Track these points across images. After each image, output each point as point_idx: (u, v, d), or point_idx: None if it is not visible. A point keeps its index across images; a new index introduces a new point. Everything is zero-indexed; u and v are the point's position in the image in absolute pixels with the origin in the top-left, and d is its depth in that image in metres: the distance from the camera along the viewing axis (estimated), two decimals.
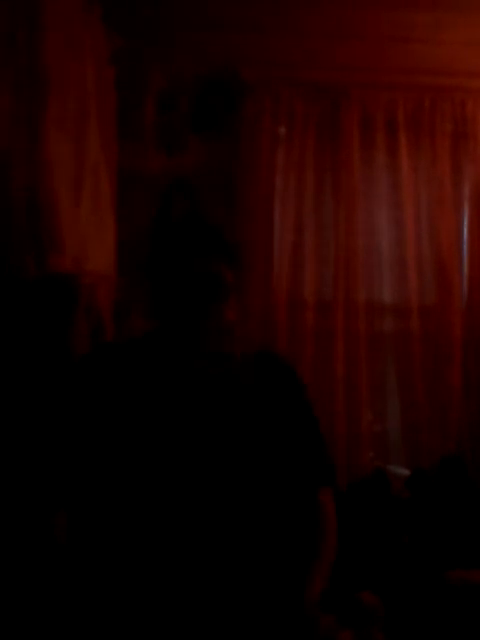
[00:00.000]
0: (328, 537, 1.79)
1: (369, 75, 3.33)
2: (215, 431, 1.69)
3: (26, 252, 2.17)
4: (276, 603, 1.66)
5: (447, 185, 3.35)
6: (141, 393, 1.71)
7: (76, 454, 1.72)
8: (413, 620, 2.83)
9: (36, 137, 2.18)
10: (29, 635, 1.83)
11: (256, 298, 3.24)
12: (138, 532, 1.63)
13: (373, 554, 3.08)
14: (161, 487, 1.64)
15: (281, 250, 3.33)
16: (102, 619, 1.63)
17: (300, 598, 1.68)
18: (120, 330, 2.85)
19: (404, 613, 2.85)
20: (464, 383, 3.32)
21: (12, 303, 2.20)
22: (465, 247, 3.43)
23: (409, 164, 3.36)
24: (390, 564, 3.05)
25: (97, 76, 2.70)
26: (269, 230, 3.32)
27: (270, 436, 1.72)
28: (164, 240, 1.82)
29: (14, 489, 2.05)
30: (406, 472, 3.32)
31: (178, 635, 1.58)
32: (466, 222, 3.43)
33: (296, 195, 3.34)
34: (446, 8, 3.22)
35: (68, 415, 1.77)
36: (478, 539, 3.12)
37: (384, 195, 3.40)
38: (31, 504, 1.96)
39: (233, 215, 3.23)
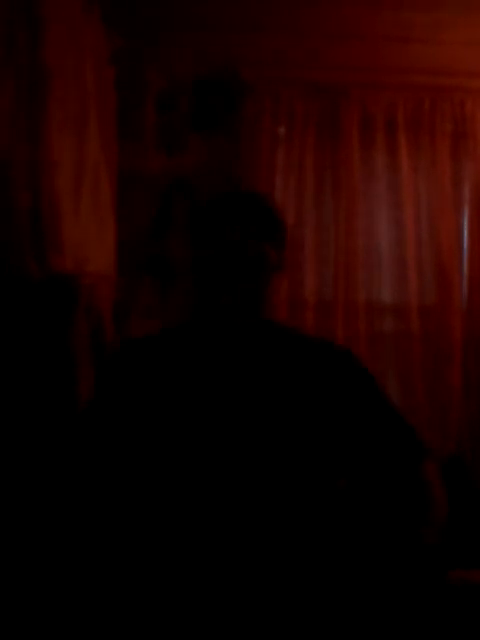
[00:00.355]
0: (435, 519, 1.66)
1: (369, 75, 3.32)
2: (261, 426, 1.59)
3: (27, 252, 2.17)
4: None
5: (447, 185, 3.35)
6: (185, 386, 1.63)
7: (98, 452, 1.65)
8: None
9: (37, 137, 2.17)
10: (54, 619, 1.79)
11: None
12: (187, 527, 1.56)
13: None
14: (205, 483, 1.56)
15: None
16: (138, 603, 1.58)
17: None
18: (120, 330, 2.84)
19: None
20: (464, 383, 3.32)
21: (12, 303, 2.20)
22: (465, 247, 3.43)
23: (409, 164, 3.36)
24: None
25: (97, 76, 2.70)
26: None
27: (323, 429, 1.62)
28: (210, 215, 1.73)
29: (17, 492, 2.05)
30: None
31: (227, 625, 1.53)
32: (466, 222, 3.43)
33: (296, 195, 3.34)
34: (446, 8, 3.22)
35: (102, 413, 1.69)
36: (478, 539, 3.12)
37: (384, 195, 3.40)
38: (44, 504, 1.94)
39: None
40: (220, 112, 3.29)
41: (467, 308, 3.36)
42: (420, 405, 3.29)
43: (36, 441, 2.18)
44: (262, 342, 1.72)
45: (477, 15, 3.24)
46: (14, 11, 2.12)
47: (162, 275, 3.14)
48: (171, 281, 3.13)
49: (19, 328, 2.22)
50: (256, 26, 3.23)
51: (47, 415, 2.23)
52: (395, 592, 1.63)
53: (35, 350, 2.25)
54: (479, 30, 3.28)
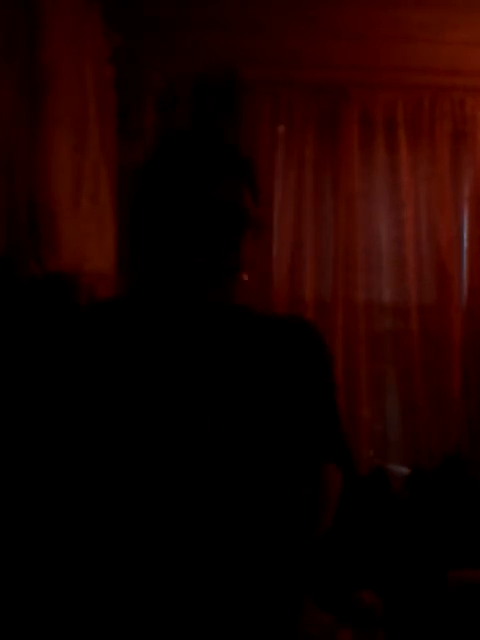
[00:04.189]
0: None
1: (369, 74, 3.32)
2: (217, 410, 1.43)
3: (27, 252, 2.17)
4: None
5: (447, 184, 3.35)
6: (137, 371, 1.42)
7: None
8: (413, 620, 2.83)
9: (36, 138, 2.17)
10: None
11: (256, 298, 3.24)
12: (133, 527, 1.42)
13: (373, 553, 3.08)
14: (154, 476, 1.40)
15: (281, 249, 3.33)
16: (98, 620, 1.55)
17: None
18: None
19: (404, 613, 2.85)
20: (464, 383, 3.32)
21: (11, 303, 2.20)
22: (465, 246, 3.43)
23: (409, 163, 3.36)
24: (390, 563, 3.05)
25: (96, 76, 2.70)
26: (268, 229, 3.32)
27: (277, 415, 1.45)
28: (168, 160, 1.48)
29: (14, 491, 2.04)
30: (407, 471, 3.32)
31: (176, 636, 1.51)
32: (466, 221, 3.43)
33: (296, 194, 3.34)
34: (446, 8, 3.22)
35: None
36: (478, 539, 3.12)
37: (384, 194, 3.40)
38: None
39: None
40: (220, 112, 3.30)
41: (467, 308, 3.36)
42: (420, 405, 3.30)
43: (33, 437, 2.18)
44: (215, 327, 1.51)
45: (477, 15, 3.24)
46: (14, 10, 2.12)
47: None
48: None
49: (18, 328, 2.22)
50: (256, 26, 3.23)
51: (45, 414, 2.23)
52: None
53: (34, 350, 2.25)
54: (479, 30, 3.28)
